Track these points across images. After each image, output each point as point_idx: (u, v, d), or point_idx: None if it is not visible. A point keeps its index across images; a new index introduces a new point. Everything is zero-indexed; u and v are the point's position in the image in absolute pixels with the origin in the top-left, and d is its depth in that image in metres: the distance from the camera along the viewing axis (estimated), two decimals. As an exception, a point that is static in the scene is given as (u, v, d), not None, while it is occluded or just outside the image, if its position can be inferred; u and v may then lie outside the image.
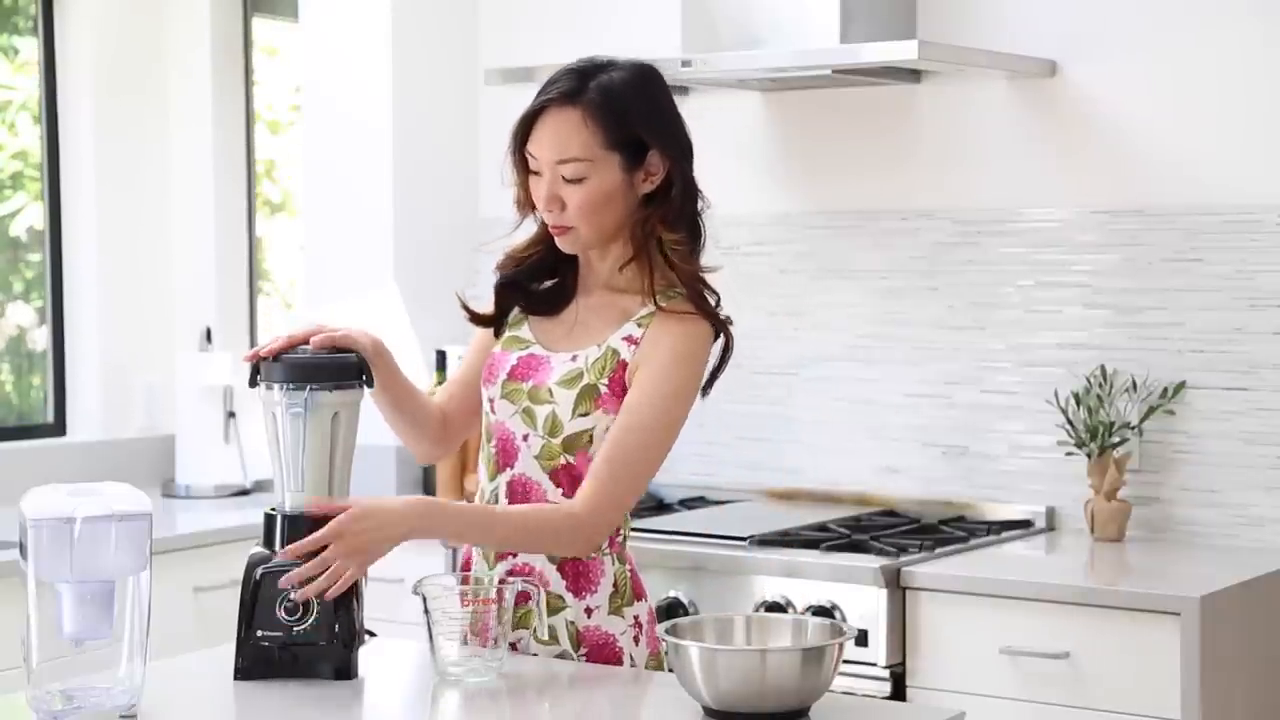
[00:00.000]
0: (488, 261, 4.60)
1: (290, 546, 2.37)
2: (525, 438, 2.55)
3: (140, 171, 4.75)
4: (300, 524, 2.43)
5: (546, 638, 2.55)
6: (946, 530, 3.80)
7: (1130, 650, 3.22)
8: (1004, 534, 3.80)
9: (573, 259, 2.61)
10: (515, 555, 2.55)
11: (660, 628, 2.31)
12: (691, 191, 2.55)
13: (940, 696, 3.36)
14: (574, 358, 2.54)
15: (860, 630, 3.40)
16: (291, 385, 2.44)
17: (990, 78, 3.94)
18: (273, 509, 2.48)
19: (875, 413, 4.11)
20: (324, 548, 2.34)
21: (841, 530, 3.74)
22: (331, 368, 2.46)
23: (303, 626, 2.40)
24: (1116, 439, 3.75)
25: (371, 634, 2.50)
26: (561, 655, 2.54)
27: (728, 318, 2.56)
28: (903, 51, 3.62)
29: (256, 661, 2.42)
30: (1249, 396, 3.70)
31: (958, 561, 3.53)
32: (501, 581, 2.43)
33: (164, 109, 4.80)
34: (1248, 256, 3.69)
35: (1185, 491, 3.77)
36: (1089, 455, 3.76)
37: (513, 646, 2.54)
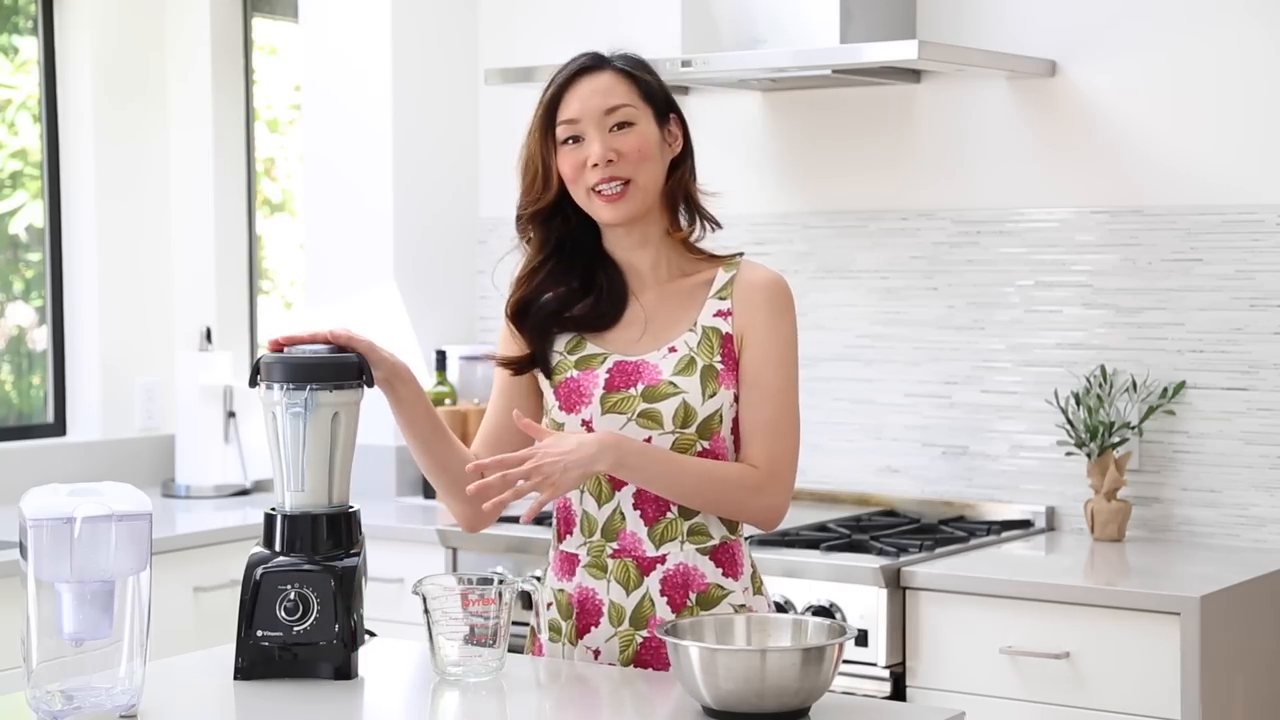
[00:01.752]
0: (488, 261, 4.65)
1: (482, 461, 2.43)
2: (647, 441, 2.52)
3: (140, 171, 4.75)
4: (301, 524, 2.44)
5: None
6: (946, 530, 3.80)
7: (1130, 650, 3.22)
8: (1004, 534, 3.80)
9: (593, 259, 2.59)
10: (664, 562, 2.52)
11: (659, 628, 2.31)
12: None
13: (940, 696, 3.37)
14: (671, 349, 2.54)
15: (860, 630, 3.40)
16: (291, 385, 2.44)
17: (990, 78, 3.94)
18: (273, 509, 2.48)
19: (875, 413, 4.11)
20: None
21: (841, 530, 3.74)
22: (331, 368, 2.46)
23: (303, 626, 2.40)
24: (1116, 439, 3.75)
25: (371, 634, 2.50)
26: None
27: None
28: (903, 51, 3.62)
29: (256, 661, 2.42)
30: (1249, 396, 3.70)
31: (958, 561, 3.53)
32: (501, 581, 2.43)
33: (164, 108, 4.81)
34: (1248, 256, 3.69)
35: (1185, 491, 3.77)
36: (1089, 455, 3.76)
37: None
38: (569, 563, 2.57)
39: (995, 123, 3.96)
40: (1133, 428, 3.76)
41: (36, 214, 4.64)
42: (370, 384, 2.50)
